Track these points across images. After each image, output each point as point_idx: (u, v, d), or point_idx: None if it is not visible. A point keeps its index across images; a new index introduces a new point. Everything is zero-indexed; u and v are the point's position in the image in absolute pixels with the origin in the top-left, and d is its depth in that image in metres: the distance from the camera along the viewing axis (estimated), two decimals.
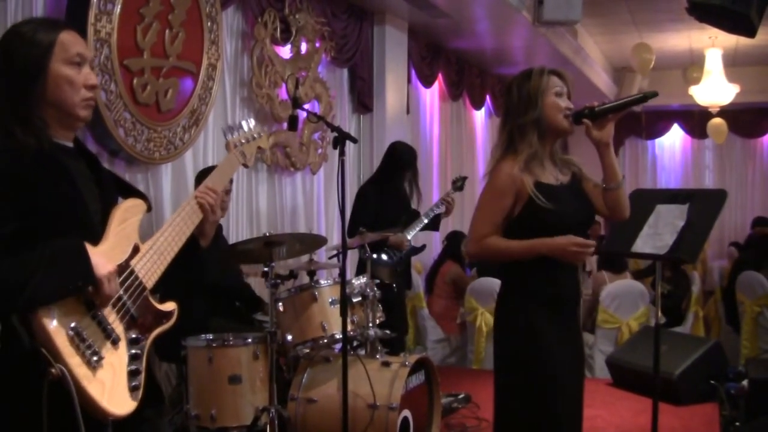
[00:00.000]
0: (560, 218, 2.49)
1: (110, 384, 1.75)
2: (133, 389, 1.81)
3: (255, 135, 2.36)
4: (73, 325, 1.71)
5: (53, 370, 1.64)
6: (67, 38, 1.86)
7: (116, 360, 1.79)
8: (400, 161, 5.20)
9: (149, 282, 1.92)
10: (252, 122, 2.40)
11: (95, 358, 1.73)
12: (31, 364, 1.67)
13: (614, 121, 2.56)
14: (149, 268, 1.92)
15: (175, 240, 2.00)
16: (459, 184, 5.56)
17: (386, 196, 5.12)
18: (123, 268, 1.85)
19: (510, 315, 2.58)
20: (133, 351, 1.84)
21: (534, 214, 2.48)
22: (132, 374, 1.82)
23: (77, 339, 1.71)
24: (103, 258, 1.78)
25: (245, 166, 2.31)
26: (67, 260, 1.72)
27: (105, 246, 1.85)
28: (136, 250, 1.92)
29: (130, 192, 2.06)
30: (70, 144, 1.94)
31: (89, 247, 1.76)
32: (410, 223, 5.15)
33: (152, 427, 2.12)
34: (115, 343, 1.80)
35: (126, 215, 1.94)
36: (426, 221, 5.22)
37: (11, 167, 1.76)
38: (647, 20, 8.59)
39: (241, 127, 2.34)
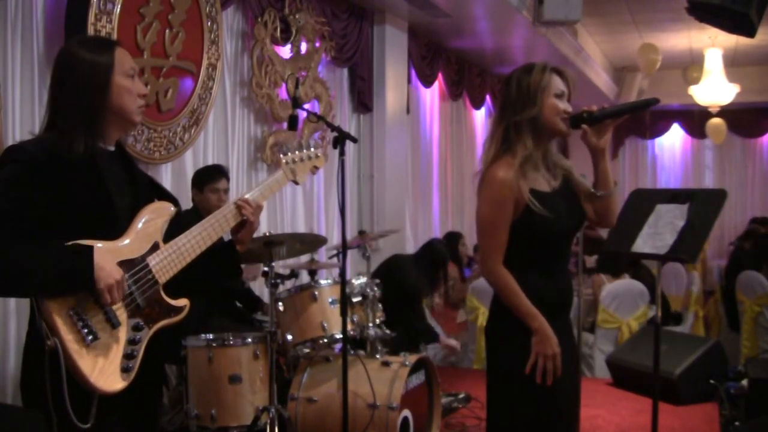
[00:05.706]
0: (553, 227, 2.43)
1: (102, 362, 1.92)
2: (124, 370, 1.95)
3: (311, 155, 2.46)
4: (74, 305, 1.90)
5: (49, 342, 1.85)
6: (121, 54, 2.11)
7: (113, 342, 1.95)
8: (438, 259, 5.57)
9: (163, 277, 2.07)
10: (312, 142, 2.51)
11: (90, 338, 1.90)
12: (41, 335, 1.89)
13: (613, 127, 2.47)
14: (165, 265, 2.07)
15: (200, 243, 2.15)
16: None
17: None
18: (137, 262, 2.02)
19: (505, 321, 2.48)
20: (133, 336, 1.99)
21: (529, 220, 2.41)
22: (127, 357, 1.97)
23: (75, 318, 1.89)
24: (112, 262, 1.93)
25: (295, 183, 2.44)
26: (73, 269, 1.88)
27: (123, 241, 2.01)
28: (155, 247, 2.07)
29: (164, 195, 2.24)
30: (112, 147, 2.12)
31: (102, 250, 1.92)
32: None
33: (149, 408, 2.21)
34: (115, 326, 1.96)
35: (152, 215, 2.11)
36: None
37: (50, 160, 1.95)
38: (647, 20, 8.59)
39: (299, 146, 2.45)
